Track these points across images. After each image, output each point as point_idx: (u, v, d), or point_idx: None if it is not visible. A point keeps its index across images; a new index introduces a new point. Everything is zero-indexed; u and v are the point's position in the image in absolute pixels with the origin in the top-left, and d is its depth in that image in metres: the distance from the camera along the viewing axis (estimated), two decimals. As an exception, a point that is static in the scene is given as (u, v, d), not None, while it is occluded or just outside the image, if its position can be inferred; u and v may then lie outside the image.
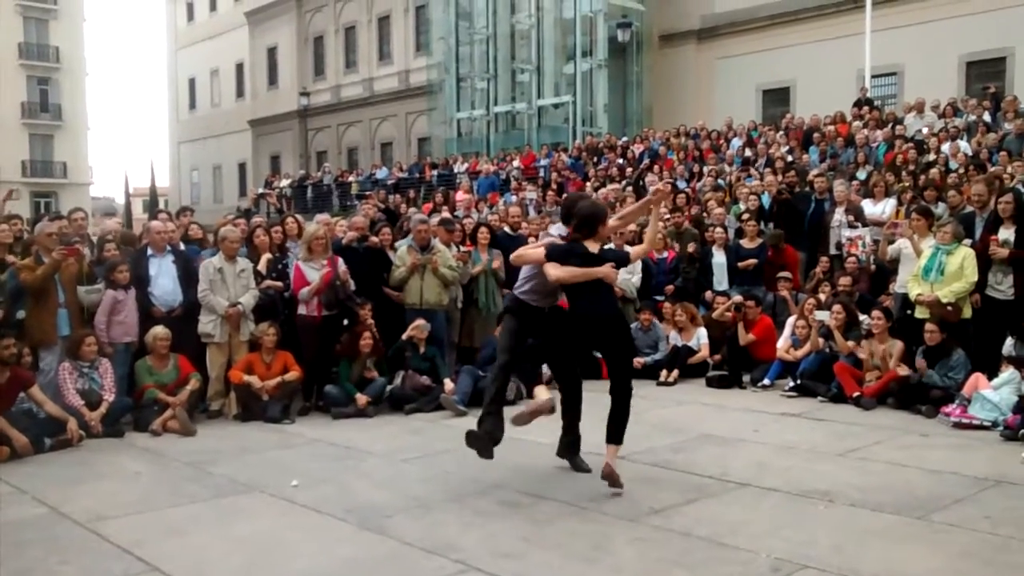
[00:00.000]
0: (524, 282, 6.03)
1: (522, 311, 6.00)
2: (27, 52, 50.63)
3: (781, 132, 18.44)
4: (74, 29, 52.63)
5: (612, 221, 6.27)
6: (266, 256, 9.06)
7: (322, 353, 8.56)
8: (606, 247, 6.01)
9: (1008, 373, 7.42)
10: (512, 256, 6.21)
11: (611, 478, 5.56)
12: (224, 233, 8.60)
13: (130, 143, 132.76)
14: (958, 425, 7.21)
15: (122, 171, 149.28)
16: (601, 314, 5.66)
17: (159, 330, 8.11)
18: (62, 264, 7.84)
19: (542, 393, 5.87)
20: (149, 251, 8.69)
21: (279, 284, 8.86)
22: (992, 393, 7.22)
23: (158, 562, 4.52)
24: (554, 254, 5.69)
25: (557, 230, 6.20)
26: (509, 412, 5.93)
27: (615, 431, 5.70)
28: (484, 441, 5.71)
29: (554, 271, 5.62)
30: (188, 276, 8.57)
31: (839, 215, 11.15)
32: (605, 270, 5.61)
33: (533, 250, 6.05)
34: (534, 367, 6.28)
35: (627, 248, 7.19)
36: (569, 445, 6.18)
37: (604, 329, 5.69)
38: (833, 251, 11.01)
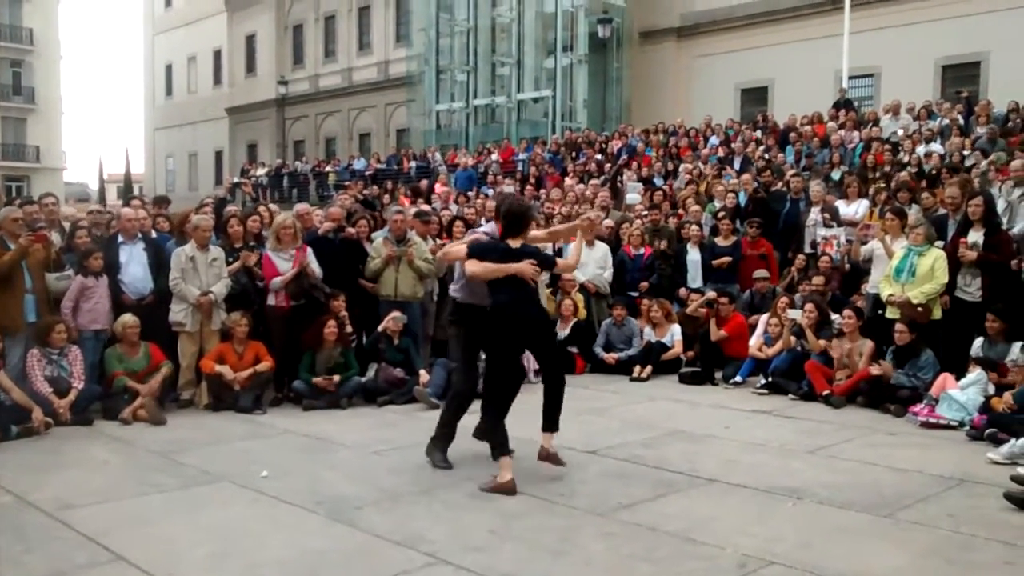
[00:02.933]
0: (457, 282, 6.10)
1: (465, 315, 6.04)
2: (0, 34, 49.85)
3: (758, 131, 18.55)
4: (48, 11, 51.91)
5: (539, 233, 6.29)
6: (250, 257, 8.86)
7: (291, 344, 8.50)
8: (528, 245, 5.90)
9: (975, 374, 7.53)
10: (439, 254, 6.23)
11: (551, 458, 5.69)
12: (196, 222, 8.52)
13: (105, 128, 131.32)
14: (925, 425, 7.30)
15: (96, 157, 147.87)
16: (519, 312, 5.64)
17: (128, 318, 8.03)
18: (29, 250, 7.73)
19: (506, 471, 5.52)
20: (120, 238, 8.60)
21: (237, 266, 8.63)
22: (959, 393, 7.31)
23: (124, 551, 4.47)
24: (475, 251, 5.73)
25: (489, 227, 6.23)
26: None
27: (550, 419, 5.78)
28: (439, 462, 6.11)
29: (471, 267, 5.68)
30: (159, 264, 8.50)
31: (815, 215, 11.24)
32: (519, 266, 5.58)
33: (456, 247, 6.09)
34: (499, 415, 5.83)
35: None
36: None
37: (524, 326, 5.68)
38: (808, 250, 11.10)
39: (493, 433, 5.77)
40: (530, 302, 5.76)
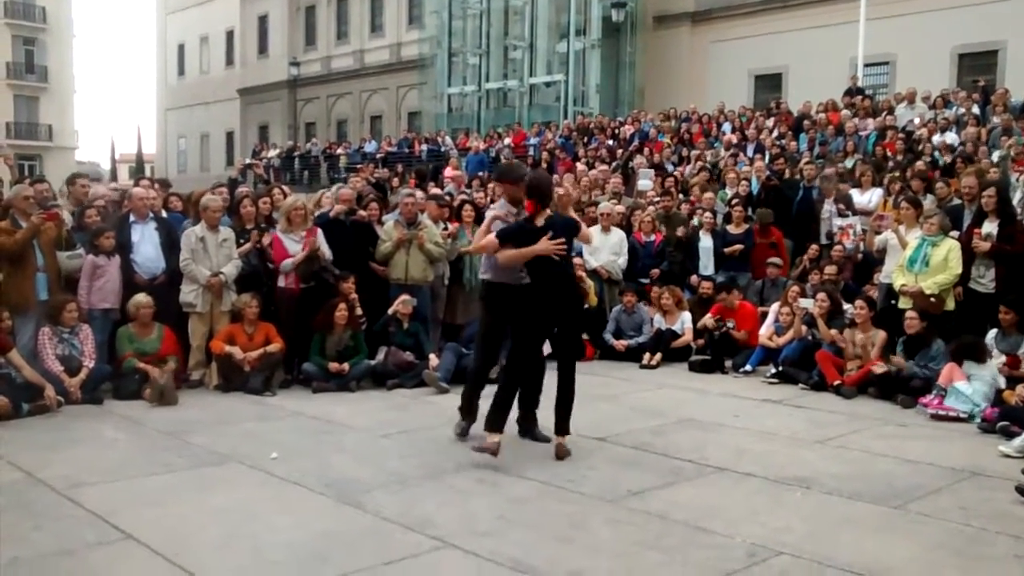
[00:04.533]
0: (486, 263, 6.23)
1: (494, 294, 6.15)
2: (12, 11, 49.92)
3: (771, 119, 18.42)
4: (62, -11, 51.91)
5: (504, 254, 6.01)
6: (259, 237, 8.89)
7: (301, 326, 8.50)
8: (556, 217, 6.01)
9: (982, 365, 7.46)
10: (471, 248, 6.32)
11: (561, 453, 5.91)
12: (206, 202, 8.50)
13: (117, 108, 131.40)
14: (935, 417, 7.26)
15: (108, 136, 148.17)
16: (547, 292, 5.79)
17: (141, 298, 8.04)
18: (40, 228, 7.74)
19: (493, 438, 5.73)
20: (131, 218, 8.60)
21: (248, 247, 8.68)
22: (965, 386, 7.26)
23: (133, 530, 4.49)
24: (504, 237, 5.83)
25: (502, 208, 6.27)
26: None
27: (563, 421, 5.93)
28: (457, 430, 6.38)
29: (502, 256, 5.85)
30: (171, 244, 8.50)
31: (829, 205, 11.18)
32: (539, 247, 5.68)
33: (486, 240, 6.10)
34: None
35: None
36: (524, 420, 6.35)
37: (552, 305, 5.83)
38: (824, 240, 11.04)
39: (496, 411, 5.83)
40: (559, 281, 5.84)
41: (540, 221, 5.81)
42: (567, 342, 6.08)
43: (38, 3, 50.70)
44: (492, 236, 5.98)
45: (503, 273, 6.04)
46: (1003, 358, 7.64)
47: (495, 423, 5.78)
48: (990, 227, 8.34)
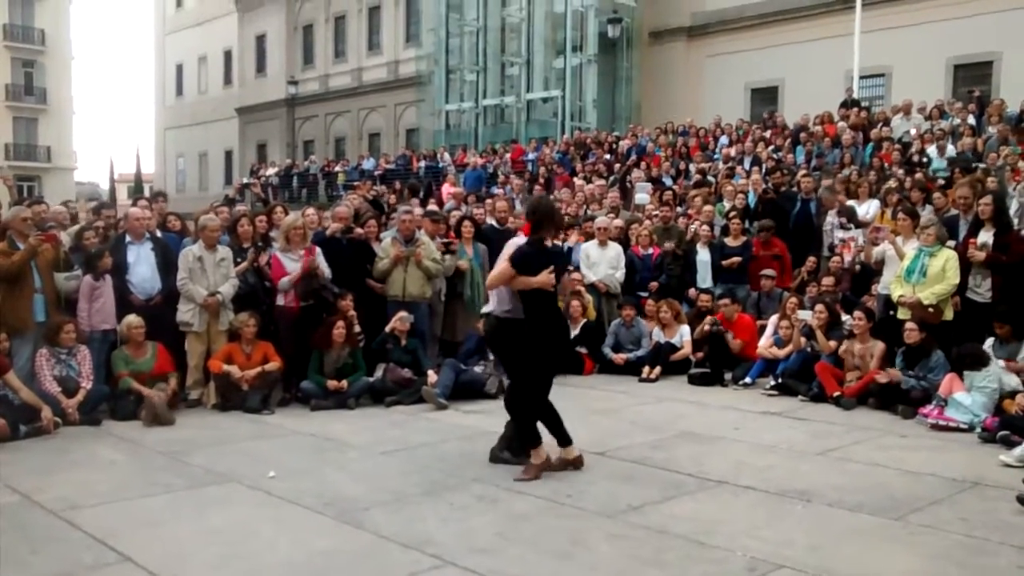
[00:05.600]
0: (497, 298, 6.05)
1: (506, 331, 5.98)
2: (12, 34, 50.11)
3: (767, 131, 18.47)
4: (60, 11, 52.09)
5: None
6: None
7: (300, 344, 8.49)
8: (555, 245, 6.22)
9: (979, 374, 7.44)
10: (487, 285, 6.26)
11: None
12: (204, 222, 8.52)
13: (115, 128, 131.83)
14: (936, 427, 7.24)
15: (107, 156, 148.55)
16: (549, 323, 5.89)
17: (132, 319, 8.03)
18: (38, 250, 7.74)
19: (539, 454, 5.82)
20: (127, 238, 8.60)
21: (245, 266, 8.65)
22: (965, 396, 7.25)
23: (131, 552, 4.46)
24: (519, 263, 5.75)
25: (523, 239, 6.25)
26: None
27: (563, 433, 6.00)
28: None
29: (519, 282, 5.78)
30: (167, 264, 8.49)
31: (831, 217, 11.19)
32: (539, 279, 5.71)
33: (500, 271, 5.96)
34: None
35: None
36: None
37: (554, 336, 5.96)
38: (826, 253, 11.05)
39: (524, 433, 5.90)
40: (549, 312, 5.94)
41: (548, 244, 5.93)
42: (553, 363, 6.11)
43: (37, 26, 50.93)
44: (504, 266, 5.86)
45: (511, 308, 5.94)
46: (1002, 363, 7.64)
47: (533, 440, 5.83)
48: (986, 237, 8.34)
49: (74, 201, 16.43)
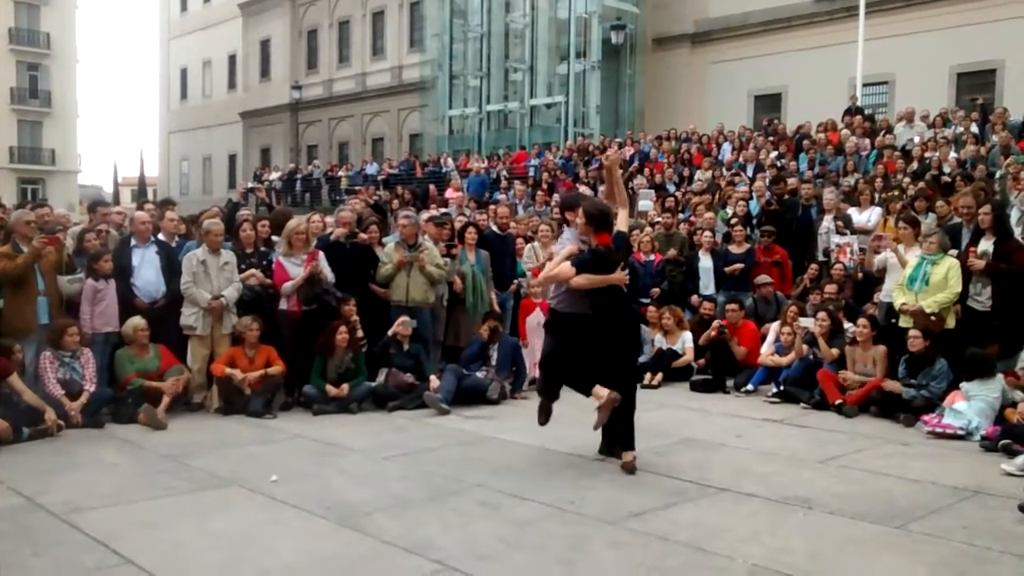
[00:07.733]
0: (556, 292, 6.29)
1: (559, 324, 6.27)
2: (17, 37, 50.22)
3: (769, 138, 18.48)
4: (65, 15, 52.26)
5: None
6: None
7: (303, 349, 8.50)
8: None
9: (977, 383, 7.45)
10: (540, 279, 6.72)
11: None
12: (208, 226, 8.53)
13: (120, 132, 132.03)
14: (933, 434, 7.24)
15: (111, 160, 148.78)
16: (610, 318, 6.10)
17: (137, 321, 8.06)
18: (41, 253, 7.76)
19: (600, 391, 6.01)
20: (133, 241, 8.62)
21: (259, 275, 8.70)
22: (962, 404, 7.27)
23: (133, 555, 4.47)
24: (583, 267, 5.99)
25: (572, 238, 6.35)
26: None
27: (625, 437, 6.26)
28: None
29: (579, 280, 5.99)
30: (171, 267, 8.51)
31: (827, 222, 11.19)
32: (616, 276, 6.00)
33: (559, 270, 6.15)
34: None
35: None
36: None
37: (615, 332, 6.15)
38: (821, 257, 11.05)
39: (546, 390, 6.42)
40: (622, 311, 6.20)
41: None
42: (627, 368, 6.34)
43: (42, 29, 51.06)
44: (565, 265, 6.06)
45: (573, 303, 6.15)
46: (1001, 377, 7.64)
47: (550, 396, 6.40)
48: (986, 245, 8.35)
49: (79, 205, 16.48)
